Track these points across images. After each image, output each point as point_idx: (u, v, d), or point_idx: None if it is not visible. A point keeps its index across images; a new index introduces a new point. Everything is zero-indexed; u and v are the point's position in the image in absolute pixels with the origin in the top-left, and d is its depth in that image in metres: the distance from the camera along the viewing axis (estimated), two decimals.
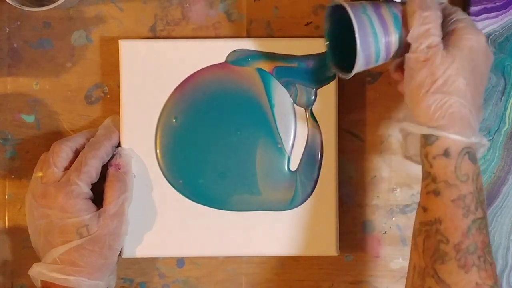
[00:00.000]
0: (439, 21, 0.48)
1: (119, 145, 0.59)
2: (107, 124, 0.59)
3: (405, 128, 0.49)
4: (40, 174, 0.55)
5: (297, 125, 0.59)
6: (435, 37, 0.47)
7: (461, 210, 0.45)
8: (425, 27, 0.47)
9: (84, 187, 0.54)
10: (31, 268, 0.54)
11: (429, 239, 0.46)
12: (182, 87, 0.59)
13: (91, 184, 0.55)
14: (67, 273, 0.53)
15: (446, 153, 0.46)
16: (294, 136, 0.59)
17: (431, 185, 0.46)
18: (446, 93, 0.46)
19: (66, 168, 0.55)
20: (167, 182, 0.59)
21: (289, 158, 0.59)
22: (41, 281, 0.53)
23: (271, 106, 0.59)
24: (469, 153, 0.46)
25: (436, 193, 0.46)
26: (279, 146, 0.59)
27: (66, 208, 0.53)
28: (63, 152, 0.55)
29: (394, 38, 0.49)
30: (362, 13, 0.49)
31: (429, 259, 0.45)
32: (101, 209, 0.55)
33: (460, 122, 0.46)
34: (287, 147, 0.59)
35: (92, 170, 0.54)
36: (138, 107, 0.59)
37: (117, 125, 0.58)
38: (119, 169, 0.56)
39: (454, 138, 0.45)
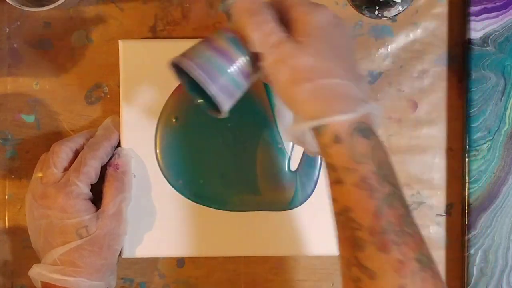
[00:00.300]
0: (273, 17, 0.45)
1: (119, 145, 0.59)
2: (107, 124, 0.59)
3: (293, 130, 0.46)
4: (40, 174, 0.55)
5: None
6: (276, 35, 0.44)
7: (365, 192, 0.42)
8: (262, 31, 0.44)
9: (83, 188, 0.54)
10: (31, 269, 0.54)
11: (344, 229, 0.43)
12: (182, 87, 0.59)
13: (91, 184, 0.55)
14: (67, 274, 0.53)
15: (337, 139, 0.42)
16: None
17: (333, 175, 0.43)
18: (313, 79, 0.43)
19: (66, 169, 0.55)
20: (167, 182, 0.59)
21: (289, 158, 0.59)
22: (42, 282, 0.53)
23: (272, 106, 0.59)
24: (361, 130, 0.42)
25: (339, 181, 0.43)
26: (280, 146, 0.59)
27: (66, 209, 0.53)
28: (62, 152, 0.55)
29: (242, 60, 0.46)
30: (198, 57, 0.46)
31: (350, 249, 0.42)
32: (99, 210, 0.55)
33: (339, 100, 0.43)
34: (287, 147, 0.59)
35: (91, 171, 0.54)
36: (138, 107, 0.59)
37: (116, 126, 0.58)
38: (118, 169, 0.56)
39: (338, 120, 0.42)
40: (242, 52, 0.46)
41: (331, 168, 0.43)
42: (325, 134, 0.43)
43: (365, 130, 0.43)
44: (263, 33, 0.44)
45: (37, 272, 0.53)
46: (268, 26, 0.44)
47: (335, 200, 0.44)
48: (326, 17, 0.45)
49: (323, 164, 0.45)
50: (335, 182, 0.43)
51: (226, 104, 0.47)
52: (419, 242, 0.42)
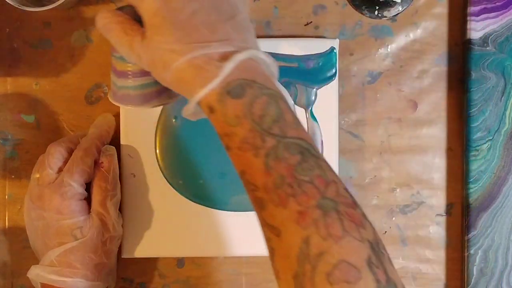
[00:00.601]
0: (125, 23, 0.44)
1: (117, 144, 0.59)
2: (99, 122, 0.58)
3: (187, 112, 0.44)
4: (37, 175, 0.55)
5: None
6: (131, 38, 0.43)
7: (249, 153, 0.40)
8: (119, 42, 0.44)
9: (77, 188, 0.53)
10: (30, 270, 0.54)
11: (248, 192, 0.41)
12: None
13: (88, 184, 0.55)
14: (65, 274, 0.53)
15: (210, 110, 0.41)
16: None
17: (223, 143, 0.42)
18: (169, 63, 0.41)
19: (61, 169, 0.55)
20: (167, 183, 0.59)
21: None
22: (41, 283, 0.53)
23: None
24: (230, 91, 0.40)
25: (227, 148, 0.41)
26: None
27: (61, 210, 0.53)
28: (57, 153, 0.55)
29: (133, 67, 0.48)
30: (113, 87, 0.49)
31: (258, 211, 0.41)
32: (91, 210, 0.55)
33: (200, 73, 0.41)
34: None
35: (84, 170, 0.54)
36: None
37: (108, 123, 0.58)
38: (102, 168, 0.56)
39: (203, 93, 0.40)
40: (120, 59, 0.47)
41: (220, 137, 0.42)
42: (204, 108, 0.42)
43: (236, 88, 0.40)
44: (120, 42, 0.44)
45: (35, 273, 0.53)
46: (121, 35, 0.44)
47: (234, 165, 0.42)
48: None
49: None
50: (226, 149, 0.42)
51: (153, 103, 0.48)
52: (320, 186, 0.39)
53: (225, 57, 0.41)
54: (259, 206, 0.40)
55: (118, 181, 0.57)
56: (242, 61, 0.41)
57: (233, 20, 0.43)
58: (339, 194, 0.39)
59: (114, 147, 0.57)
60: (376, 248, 0.38)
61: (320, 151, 0.41)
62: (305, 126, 0.59)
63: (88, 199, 0.55)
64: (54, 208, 0.53)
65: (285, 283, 0.38)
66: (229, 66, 0.40)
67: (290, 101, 0.42)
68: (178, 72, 0.41)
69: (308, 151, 0.40)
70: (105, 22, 0.45)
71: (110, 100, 0.49)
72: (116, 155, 0.57)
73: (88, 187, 0.55)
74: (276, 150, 0.39)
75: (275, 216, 0.39)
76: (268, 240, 0.40)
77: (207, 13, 0.42)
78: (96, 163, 0.56)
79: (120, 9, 0.48)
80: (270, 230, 0.40)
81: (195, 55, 0.41)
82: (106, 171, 0.55)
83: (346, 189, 0.40)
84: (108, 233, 0.55)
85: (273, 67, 0.44)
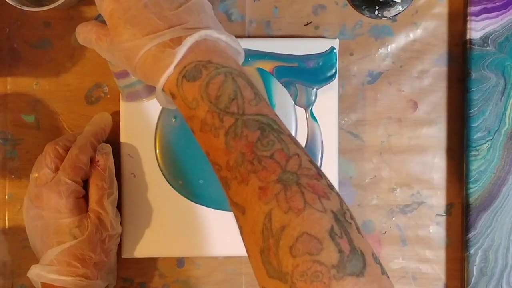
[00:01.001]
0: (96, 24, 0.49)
1: (116, 144, 0.59)
2: (95, 120, 0.58)
3: (158, 100, 0.45)
4: (35, 175, 0.54)
5: (298, 125, 0.59)
6: (95, 36, 0.48)
7: (209, 133, 0.40)
8: (89, 42, 0.49)
9: (74, 186, 0.53)
10: (30, 270, 0.54)
11: (216, 174, 0.42)
12: None
13: (86, 182, 0.55)
14: (64, 273, 0.53)
15: (173, 95, 0.42)
16: (296, 136, 0.59)
17: (189, 127, 0.43)
18: (131, 57, 0.43)
19: (58, 168, 0.55)
20: (167, 183, 0.59)
21: None
22: (41, 283, 0.53)
23: (272, 106, 0.59)
24: (186, 75, 0.41)
25: (192, 131, 0.42)
26: None
27: (59, 208, 0.53)
28: (54, 152, 0.54)
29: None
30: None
31: (225, 191, 0.41)
32: (88, 209, 0.55)
33: (157, 59, 0.42)
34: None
35: (79, 167, 0.54)
36: (137, 107, 0.59)
37: (104, 121, 0.58)
38: (98, 166, 0.55)
39: (162, 81, 0.42)
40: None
41: (185, 121, 0.43)
42: (168, 95, 0.43)
43: (191, 72, 0.41)
44: (99, 49, 0.48)
45: (35, 273, 0.53)
46: (97, 42, 0.47)
47: (201, 147, 0.43)
48: None
49: None
50: (192, 132, 0.43)
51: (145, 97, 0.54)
52: (282, 161, 0.39)
53: (178, 43, 0.42)
54: (225, 185, 0.41)
55: (115, 179, 0.57)
56: (196, 43, 0.42)
57: (185, 5, 0.44)
58: (301, 167, 0.39)
59: (109, 145, 0.57)
60: (341, 218, 0.37)
61: (287, 131, 0.42)
62: (305, 126, 0.59)
63: (86, 198, 0.55)
64: (52, 207, 0.53)
65: (253, 260, 0.39)
66: (181, 51, 0.41)
67: (251, 78, 0.43)
68: (141, 66, 0.43)
69: (269, 126, 0.40)
70: (83, 36, 0.48)
71: (123, 102, 0.54)
72: (111, 153, 0.57)
73: (86, 185, 0.55)
74: (235, 129, 0.40)
75: (239, 193, 0.39)
76: (236, 219, 0.41)
77: (158, 4, 0.43)
78: (92, 162, 0.56)
79: (97, 17, 0.51)
80: (236, 208, 0.40)
81: (150, 47, 0.42)
82: (102, 169, 0.55)
83: (310, 161, 0.40)
84: (106, 231, 0.54)
85: (233, 44, 0.44)
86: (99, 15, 0.50)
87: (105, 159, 0.56)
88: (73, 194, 0.53)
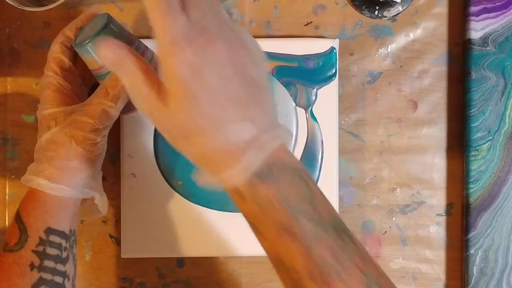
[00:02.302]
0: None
1: (117, 145, 0.58)
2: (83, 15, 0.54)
3: (206, 183, 0.41)
4: None
5: (299, 125, 0.59)
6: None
7: (286, 237, 0.38)
8: (122, 72, 0.40)
9: (52, 78, 0.50)
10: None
11: (281, 275, 0.40)
12: None
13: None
14: (33, 172, 0.49)
15: (238, 193, 0.39)
16: (296, 136, 0.59)
17: (252, 227, 0.41)
18: (186, 145, 0.40)
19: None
20: (166, 183, 0.59)
21: None
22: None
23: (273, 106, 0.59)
24: (258, 174, 0.38)
25: (259, 233, 0.40)
26: None
27: (41, 101, 0.51)
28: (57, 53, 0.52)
29: None
30: None
31: None
32: (79, 104, 0.50)
33: (222, 157, 0.38)
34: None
35: (53, 58, 0.51)
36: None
37: (94, 10, 0.54)
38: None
39: (228, 178, 0.38)
40: None
41: (247, 220, 0.41)
42: (229, 190, 0.40)
43: (264, 170, 0.38)
44: (137, 95, 0.40)
45: (23, 178, 0.50)
46: (141, 86, 0.39)
47: (265, 250, 0.41)
48: (183, 56, 0.37)
49: None
50: (257, 234, 0.41)
51: None
52: (362, 266, 0.38)
53: (251, 140, 0.38)
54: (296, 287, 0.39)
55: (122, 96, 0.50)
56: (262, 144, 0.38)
57: (258, 96, 0.39)
58: (380, 275, 0.39)
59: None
60: None
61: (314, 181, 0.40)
62: (305, 126, 0.59)
63: (80, 93, 0.52)
64: (40, 101, 0.51)
65: None
66: (256, 155, 0.38)
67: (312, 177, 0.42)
68: (189, 154, 0.40)
69: (343, 230, 0.40)
70: (122, 61, 0.39)
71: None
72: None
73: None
74: (314, 234, 0.38)
75: None
76: None
77: (236, 88, 0.38)
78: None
79: (110, 22, 0.48)
80: None
81: (222, 140, 0.38)
82: (111, 86, 0.50)
83: (377, 265, 0.40)
84: (85, 132, 0.49)
85: (289, 136, 0.42)
86: (112, 21, 0.49)
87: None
88: (50, 86, 0.50)
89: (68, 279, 0.49)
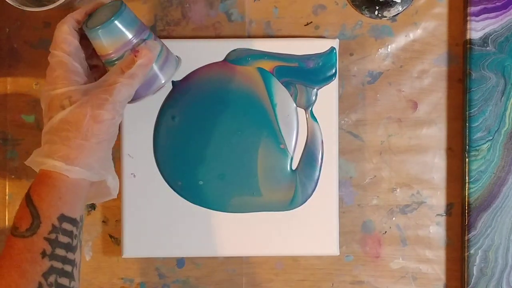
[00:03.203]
0: None
1: (117, 145, 0.58)
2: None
3: None
4: None
5: (299, 125, 0.59)
6: None
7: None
8: None
9: (61, 57, 0.49)
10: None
11: None
12: (180, 85, 0.59)
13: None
14: (45, 154, 0.48)
15: None
16: (297, 136, 0.59)
17: None
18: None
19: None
20: (166, 184, 0.59)
21: (291, 159, 0.59)
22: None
23: (273, 106, 0.59)
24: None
25: None
26: (282, 147, 0.59)
27: (49, 81, 0.49)
28: (63, 34, 0.51)
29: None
30: None
31: None
32: (92, 83, 0.50)
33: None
34: (290, 148, 0.59)
35: (61, 38, 0.50)
36: (137, 106, 0.59)
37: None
38: (135, 56, 0.50)
39: None
40: None
41: None
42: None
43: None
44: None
45: (30, 160, 0.49)
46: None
47: None
48: None
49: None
50: None
51: (154, 88, 0.53)
52: None
53: None
54: None
55: (142, 77, 0.50)
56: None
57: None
58: None
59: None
60: None
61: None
62: (305, 126, 0.59)
63: (88, 74, 0.51)
64: (47, 81, 0.50)
65: None
66: None
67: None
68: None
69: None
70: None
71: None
72: (156, 51, 0.51)
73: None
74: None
75: None
76: None
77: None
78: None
79: (124, 9, 0.50)
80: None
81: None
82: (127, 62, 0.50)
83: None
84: (102, 109, 0.48)
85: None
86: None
87: (146, 55, 0.50)
88: (62, 65, 0.49)
89: (76, 268, 0.48)
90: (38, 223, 0.46)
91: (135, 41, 0.50)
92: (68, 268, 0.47)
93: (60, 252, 0.47)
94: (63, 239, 0.47)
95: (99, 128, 0.48)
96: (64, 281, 0.46)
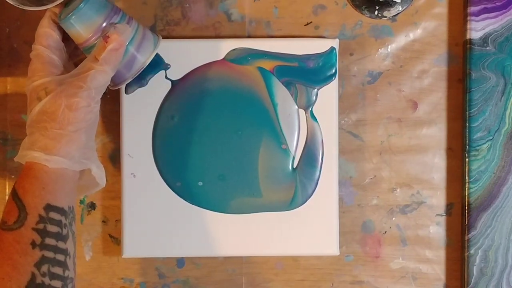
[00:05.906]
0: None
1: (116, 145, 0.58)
2: None
3: None
4: None
5: (300, 125, 0.59)
6: None
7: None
8: None
9: (42, 50, 0.50)
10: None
11: None
12: (179, 85, 0.59)
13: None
14: (26, 147, 0.48)
15: None
16: (298, 136, 0.59)
17: None
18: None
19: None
20: (165, 184, 0.59)
21: (293, 159, 0.59)
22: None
23: (274, 106, 0.59)
24: None
25: None
26: (283, 147, 0.59)
27: (29, 75, 0.50)
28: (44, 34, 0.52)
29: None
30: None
31: None
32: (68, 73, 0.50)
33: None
34: (291, 148, 0.59)
35: (46, 31, 0.51)
36: (137, 106, 0.59)
37: None
38: (106, 42, 0.50)
39: None
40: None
41: None
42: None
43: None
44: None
45: (18, 155, 0.50)
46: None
47: None
48: None
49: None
50: None
51: (136, 68, 0.54)
52: None
53: None
54: None
55: (117, 59, 0.51)
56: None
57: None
58: None
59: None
60: None
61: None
62: (305, 126, 0.59)
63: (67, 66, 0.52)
64: (27, 77, 0.51)
65: None
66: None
67: None
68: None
69: None
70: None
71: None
72: (122, 39, 0.51)
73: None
74: None
75: None
76: None
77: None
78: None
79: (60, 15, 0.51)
80: None
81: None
82: (110, 49, 0.50)
83: None
84: (77, 98, 0.48)
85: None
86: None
87: (111, 39, 0.50)
88: (39, 58, 0.50)
89: (69, 257, 0.49)
90: (25, 214, 0.47)
91: (105, 26, 0.50)
92: (60, 257, 0.47)
93: (50, 241, 0.47)
94: (52, 228, 0.47)
95: (75, 116, 0.48)
96: (57, 270, 0.47)
